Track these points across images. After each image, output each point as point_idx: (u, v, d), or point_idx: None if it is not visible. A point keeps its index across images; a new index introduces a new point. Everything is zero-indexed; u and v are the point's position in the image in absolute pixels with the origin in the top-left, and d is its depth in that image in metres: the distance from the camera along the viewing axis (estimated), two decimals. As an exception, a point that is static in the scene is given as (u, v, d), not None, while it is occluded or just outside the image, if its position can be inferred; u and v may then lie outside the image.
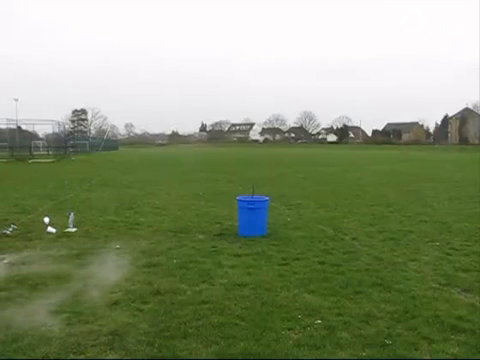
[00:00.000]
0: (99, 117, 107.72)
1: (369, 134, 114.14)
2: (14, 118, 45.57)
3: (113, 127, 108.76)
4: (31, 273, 6.05)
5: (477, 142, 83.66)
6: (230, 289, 5.45)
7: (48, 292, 5.35)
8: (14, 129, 45.81)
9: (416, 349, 3.99)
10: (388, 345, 4.03)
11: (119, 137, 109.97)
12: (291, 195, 13.79)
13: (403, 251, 7.25)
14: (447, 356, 3.88)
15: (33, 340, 4.11)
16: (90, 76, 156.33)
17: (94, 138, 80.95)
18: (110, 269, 6.27)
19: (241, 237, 7.95)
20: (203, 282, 5.72)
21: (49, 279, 5.79)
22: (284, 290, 5.41)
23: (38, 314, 4.71)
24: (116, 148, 77.25)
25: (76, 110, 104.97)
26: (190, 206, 11.85)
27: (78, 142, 59.03)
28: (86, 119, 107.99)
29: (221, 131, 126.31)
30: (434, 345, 4.05)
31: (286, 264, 6.50)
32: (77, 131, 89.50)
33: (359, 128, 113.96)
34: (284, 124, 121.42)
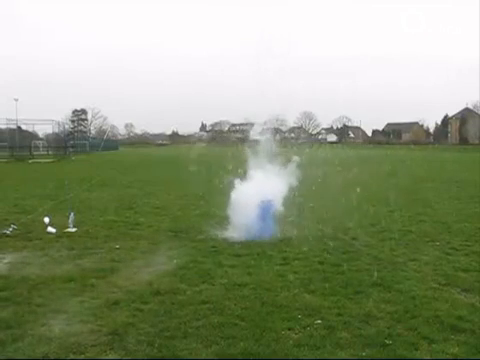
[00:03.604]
0: (99, 117, 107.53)
1: (369, 134, 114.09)
2: (14, 118, 45.67)
3: (113, 127, 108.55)
4: (31, 273, 6.06)
5: (477, 142, 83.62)
6: (230, 289, 5.45)
7: (48, 292, 5.35)
8: (14, 129, 45.89)
9: (416, 349, 3.99)
10: (388, 345, 4.03)
11: (119, 137, 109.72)
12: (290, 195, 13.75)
13: (403, 251, 7.25)
14: (447, 356, 3.89)
15: (33, 340, 4.11)
16: (90, 76, 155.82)
17: (94, 138, 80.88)
18: (110, 268, 6.27)
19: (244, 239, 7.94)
20: (203, 282, 5.72)
21: (49, 279, 5.79)
22: (284, 290, 5.41)
23: (38, 314, 4.72)
24: (116, 148, 77.17)
25: (76, 110, 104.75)
26: (190, 206, 11.85)
27: (78, 142, 59.07)
28: (86, 119, 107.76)
29: (221, 131, 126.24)
30: (434, 345, 4.05)
31: (286, 264, 6.50)
32: (77, 131, 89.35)
33: (359, 128, 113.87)
34: (284, 124, 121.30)
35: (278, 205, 8.28)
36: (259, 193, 8.10)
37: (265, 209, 8.20)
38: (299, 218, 9.90)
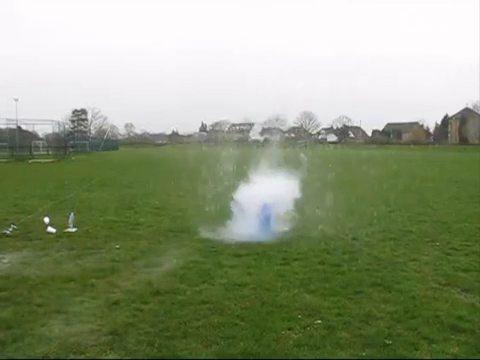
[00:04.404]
0: (99, 117, 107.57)
1: (369, 134, 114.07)
2: (14, 118, 45.69)
3: (113, 127, 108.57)
4: (31, 273, 6.06)
5: (477, 142, 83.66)
6: (230, 289, 5.45)
7: (48, 292, 5.35)
8: (14, 129, 45.90)
9: (416, 349, 3.99)
10: (388, 345, 4.03)
11: (119, 137, 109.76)
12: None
13: (403, 251, 7.25)
14: (447, 356, 3.89)
15: (33, 340, 4.11)
16: (90, 76, 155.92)
17: (94, 138, 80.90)
18: (110, 268, 6.26)
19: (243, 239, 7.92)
20: (203, 282, 5.72)
21: (49, 279, 5.79)
22: (284, 290, 5.41)
23: (38, 314, 4.71)
24: (116, 148, 77.18)
25: (76, 110, 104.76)
26: (190, 206, 11.83)
27: (78, 142, 59.05)
28: (86, 119, 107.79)
29: (221, 131, 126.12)
30: (434, 345, 4.05)
31: (286, 264, 6.51)
32: (77, 131, 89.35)
33: (359, 128, 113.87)
34: (284, 124, 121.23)
35: (279, 205, 8.27)
36: (261, 195, 8.09)
37: (266, 212, 8.18)
38: (300, 218, 9.90)
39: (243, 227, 8.18)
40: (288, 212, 8.52)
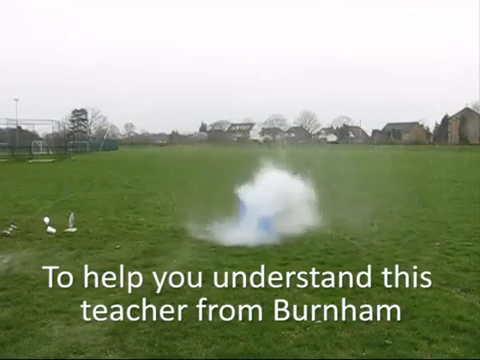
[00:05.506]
0: (99, 117, 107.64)
1: (369, 134, 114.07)
2: (14, 118, 45.76)
3: (113, 127, 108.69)
4: (31, 273, 6.06)
5: (477, 142, 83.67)
6: (230, 289, 5.45)
7: (48, 292, 5.35)
8: (14, 129, 45.97)
9: (416, 349, 3.99)
10: (388, 345, 4.04)
11: (119, 137, 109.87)
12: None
13: (403, 251, 7.25)
14: (447, 356, 3.89)
15: (33, 340, 4.12)
16: (90, 76, 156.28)
17: (94, 138, 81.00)
18: (110, 268, 6.26)
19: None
20: (203, 282, 5.71)
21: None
22: (284, 290, 5.40)
23: (38, 314, 4.72)
24: (116, 148, 77.21)
25: (76, 110, 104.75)
26: (190, 206, 11.83)
27: (78, 142, 59.09)
28: (86, 119, 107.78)
29: (221, 131, 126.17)
30: (434, 345, 4.05)
31: (286, 264, 6.50)
32: (77, 131, 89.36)
33: (359, 128, 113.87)
34: (284, 124, 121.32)
35: (281, 205, 8.24)
36: (264, 196, 8.04)
37: (267, 220, 8.13)
38: (300, 219, 9.89)
39: (243, 229, 8.16)
40: (289, 211, 8.47)
